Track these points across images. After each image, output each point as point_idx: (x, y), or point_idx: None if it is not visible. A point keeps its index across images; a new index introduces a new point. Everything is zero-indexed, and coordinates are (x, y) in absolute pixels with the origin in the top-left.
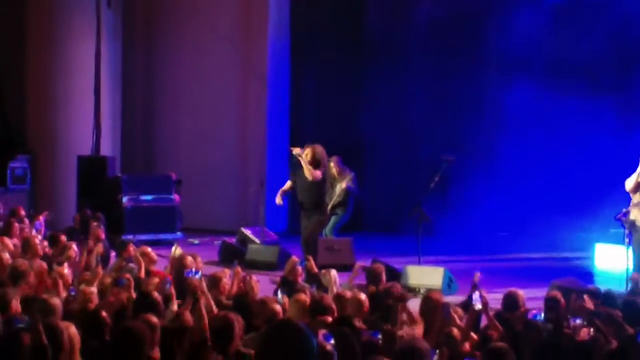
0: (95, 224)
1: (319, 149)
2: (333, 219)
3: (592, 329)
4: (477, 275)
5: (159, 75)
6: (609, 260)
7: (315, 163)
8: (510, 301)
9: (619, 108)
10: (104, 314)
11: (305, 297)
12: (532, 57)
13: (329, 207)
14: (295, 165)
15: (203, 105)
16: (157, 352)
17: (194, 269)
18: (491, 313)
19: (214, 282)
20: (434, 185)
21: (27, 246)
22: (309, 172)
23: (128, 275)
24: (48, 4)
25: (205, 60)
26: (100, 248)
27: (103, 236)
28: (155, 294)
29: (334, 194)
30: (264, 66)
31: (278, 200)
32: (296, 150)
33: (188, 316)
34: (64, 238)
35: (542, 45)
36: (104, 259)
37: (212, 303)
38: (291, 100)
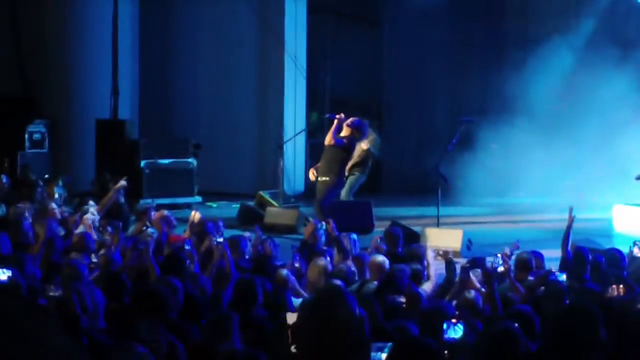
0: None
1: (366, 123)
2: (350, 180)
3: (621, 286)
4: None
5: (175, 38)
6: (628, 222)
7: (355, 130)
8: (523, 263)
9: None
10: (122, 276)
11: (324, 262)
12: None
13: (348, 167)
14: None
15: (220, 67)
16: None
17: (217, 235)
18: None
19: (233, 245)
20: (452, 148)
21: (43, 211)
22: (329, 136)
23: (147, 239)
24: None
25: (222, 22)
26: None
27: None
28: (178, 257)
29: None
30: (281, 27)
31: (311, 176)
32: (339, 115)
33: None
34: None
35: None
36: (124, 223)
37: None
38: (309, 61)
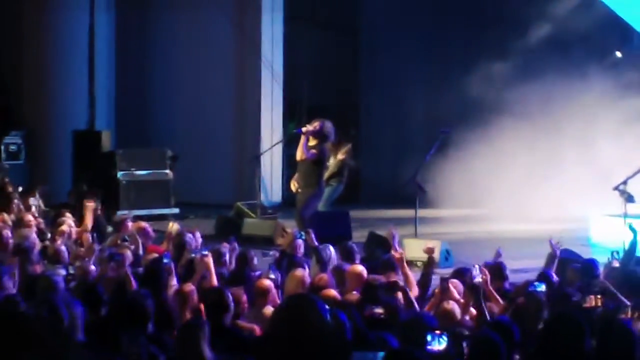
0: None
1: (328, 124)
2: (327, 190)
3: (599, 297)
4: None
5: (152, 49)
6: (605, 232)
7: (321, 137)
8: (497, 272)
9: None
10: (98, 288)
11: (302, 273)
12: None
13: (325, 177)
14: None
15: (197, 78)
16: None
17: (199, 247)
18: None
19: (215, 256)
20: (430, 158)
21: (20, 222)
22: (299, 151)
23: (124, 251)
24: None
25: (199, 32)
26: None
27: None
28: (156, 270)
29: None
30: (258, 36)
31: (293, 187)
32: (305, 128)
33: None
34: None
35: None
36: (100, 235)
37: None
38: (285, 71)
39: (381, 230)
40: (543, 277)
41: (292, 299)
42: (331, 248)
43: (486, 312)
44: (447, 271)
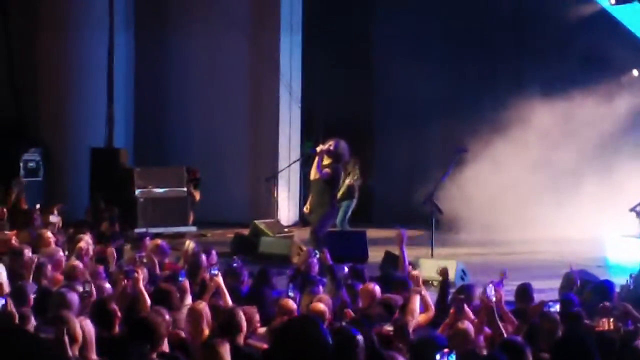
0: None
1: (343, 144)
2: (342, 209)
3: (612, 320)
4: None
5: (171, 67)
6: (621, 252)
7: (335, 157)
8: (523, 293)
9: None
10: (113, 305)
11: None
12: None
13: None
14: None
15: (215, 96)
16: (165, 346)
17: (213, 266)
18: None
19: (232, 275)
20: (446, 178)
21: (40, 240)
22: (313, 171)
23: (140, 269)
24: None
25: (218, 52)
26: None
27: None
28: (170, 288)
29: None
30: (277, 57)
31: (306, 210)
32: (319, 147)
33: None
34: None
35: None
36: (118, 252)
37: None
38: (304, 92)
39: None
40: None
41: (294, 319)
42: (346, 269)
43: (502, 331)
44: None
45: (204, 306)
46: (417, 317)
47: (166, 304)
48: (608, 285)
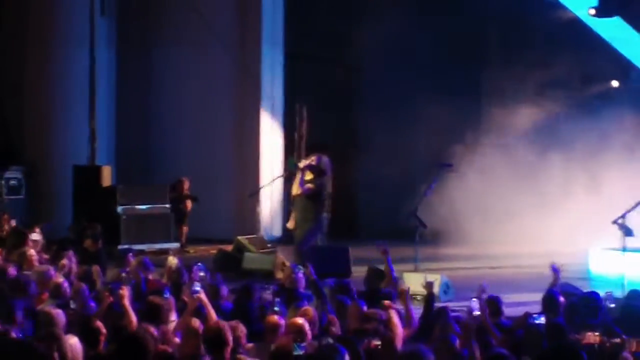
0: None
1: (325, 158)
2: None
3: (597, 334)
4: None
5: (153, 84)
6: (604, 265)
7: (318, 172)
8: (492, 307)
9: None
10: (98, 323)
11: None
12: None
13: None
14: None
15: (198, 113)
16: None
17: (197, 284)
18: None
19: (213, 292)
20: (430, 192)
21: (22, 258)
22: (295, 187)
23: (124, 286)
24: (42, 12)
25: (200, 67)
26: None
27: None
28: (156, 303)
29: None
30: (258, 72)
31: (290, 225)
32: (302, 162)
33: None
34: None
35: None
36: (102, 268)
37: (213, 315)
38: (285, 106)
39: (380, 265)
40: (548, 299)
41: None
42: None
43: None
44: (447, 305)
45: (199, 324)
46: (400, 331)
47: (157, 318)
48: (592, 297)
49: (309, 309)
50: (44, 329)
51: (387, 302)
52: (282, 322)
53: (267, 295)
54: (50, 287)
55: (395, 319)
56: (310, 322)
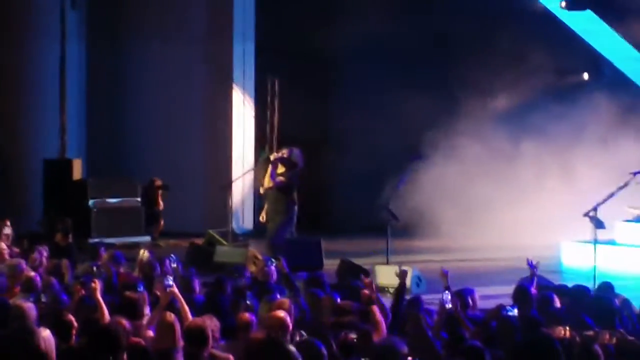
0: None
1: (296, 151)
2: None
3: (567, 327)
4: (443, 273)
5: (123, 77)
6: (576, 258)
7: (290, 164)
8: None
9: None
10: (69, 316)
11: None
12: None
13: None
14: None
15: (168, 106)
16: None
17: (169, 278)
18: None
19: (185, 284)
20: (402, 185)
21: None
22: (267, 180)
23: (96, 279)
24: (12, 5)
25: (171, 61)
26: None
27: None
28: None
29: None
30: (230, 65)
31: (262, 218)
32: (273, 155)
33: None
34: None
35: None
36: (72, 262)
37: (187, 309)
38: (257, 99)
39: (352, 258)
40: (520, 292)
41: (261, 344)
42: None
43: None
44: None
45: (174, 318)
46: (383, 326)
47: (133, 312)
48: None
49: (285, 300)
50: (16, 323)
51: (366, 291)
52: (254, 319)
53: (241, 283)
54: (22, 280)
55: (378, 314)
56: (289, 314)
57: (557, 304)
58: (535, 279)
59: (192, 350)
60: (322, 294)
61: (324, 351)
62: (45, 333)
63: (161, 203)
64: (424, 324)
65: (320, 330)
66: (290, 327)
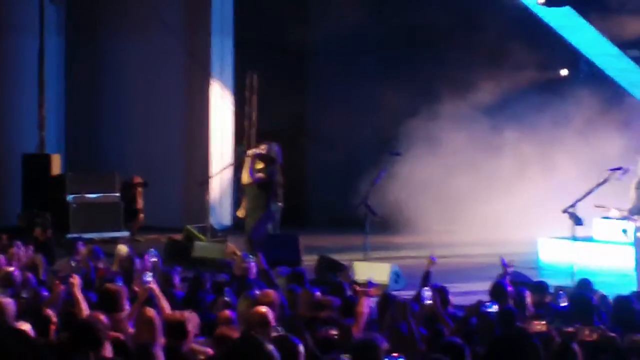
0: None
1: (275, 146)
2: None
3: (544, 323)
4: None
5: (102, 72)
6: (554, 254)
7: (268, 160)
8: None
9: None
10: (48, 311)
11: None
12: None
13: None
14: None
15: (147, 101)
16: (108, 350)
17: (148, 273)
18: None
19: (165, 279)
20: (379, 180)
21: None
22: (245, 175)
23: (75, 274)
24: None
25: (150, 55)
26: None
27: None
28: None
29: None
30: (208, 60)
31: (240, 214)
32: (251, 151)
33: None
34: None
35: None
36: (51, 257)
37: (165, 304)
38: (235, 95)
39: (330, 254)
40: (497, 288)
41: (239, 342)
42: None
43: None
44: (397, 294)
45: (154, 313)
46: (364, 320)
47: (113, 306)
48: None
49: (269, 292)
50: None
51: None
52: (234, 317)
53: (220, 279)
54: (1, 275)
55: (365, 308)
56: (273, 307)
57: (529, 299)
58: (508, 277)
59: (172, 344)
60: (299, 290)
61: (301, 347)
62: (25, 327)
63: (140, 201)
64: (408, 313)
65: (297, 326)
66: (273, 323)
